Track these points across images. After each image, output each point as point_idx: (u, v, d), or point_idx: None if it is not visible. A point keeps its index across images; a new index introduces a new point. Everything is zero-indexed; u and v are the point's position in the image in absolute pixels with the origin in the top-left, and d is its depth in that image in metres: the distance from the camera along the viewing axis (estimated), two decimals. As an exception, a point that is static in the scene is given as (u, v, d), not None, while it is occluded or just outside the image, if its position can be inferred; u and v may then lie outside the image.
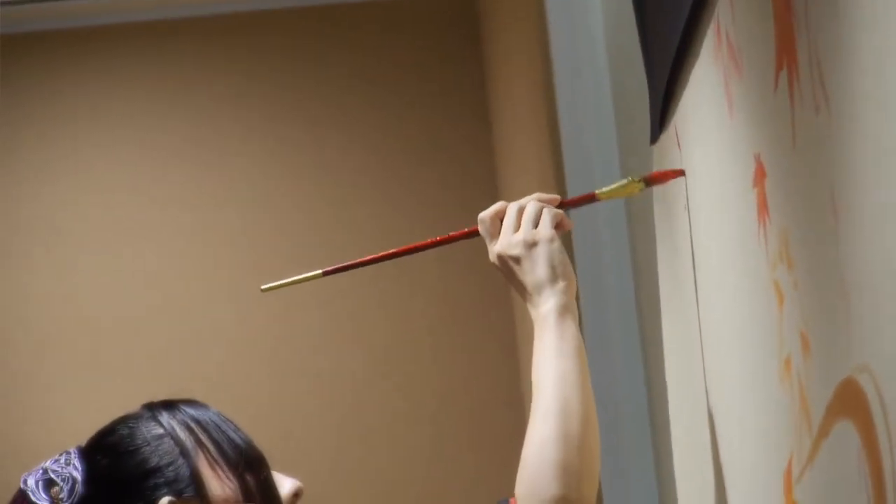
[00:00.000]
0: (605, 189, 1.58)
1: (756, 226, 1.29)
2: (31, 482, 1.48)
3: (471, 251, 3.20)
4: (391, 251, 1.59)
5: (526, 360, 3.16)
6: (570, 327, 1.46)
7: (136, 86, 3.42)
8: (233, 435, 1.53)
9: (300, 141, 3.35)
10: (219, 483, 1.49)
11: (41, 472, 1.49)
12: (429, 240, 1.60)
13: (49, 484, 1.48)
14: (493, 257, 1.52)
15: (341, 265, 1.60)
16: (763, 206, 1.27)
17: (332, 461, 3.13)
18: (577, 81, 2.13)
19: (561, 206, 1.54)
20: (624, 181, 1.58)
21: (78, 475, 1.48)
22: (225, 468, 1.49)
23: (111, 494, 1.50)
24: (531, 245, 1.47)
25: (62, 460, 1.51)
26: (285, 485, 1.54)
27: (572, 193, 2.09)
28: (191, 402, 1.57)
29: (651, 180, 1.60)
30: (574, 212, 2.08)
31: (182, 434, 1.51)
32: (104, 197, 3.38)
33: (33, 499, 1.46)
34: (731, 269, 1.43)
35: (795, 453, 1.24)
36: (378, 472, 3.14)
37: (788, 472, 1.28)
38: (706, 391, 1.60)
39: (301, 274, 1.61)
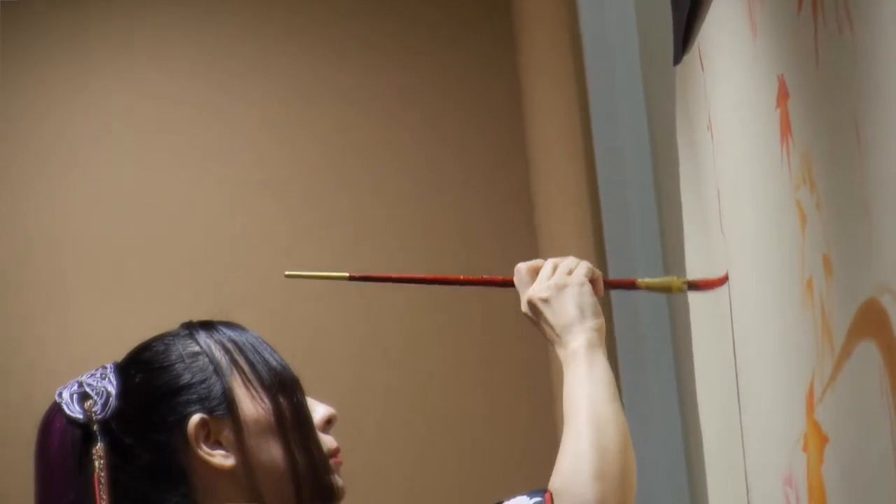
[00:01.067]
0: (647, 280, 1.58)
1: (779, 147, 1.29)
2: (65, 395, 1.48)
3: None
4: (421, 276, 1.64)
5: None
6: (601, 362, 1.45)
7: (159, 11, 3.41)
8: (269, 356, 1.52)
9: (323, 70, 3.33)
10: (251, 403, 1.48)
11: (76, 385, 1.50)
12: (463, 277, 1.63)
13: (83, 397, 1.48)
14: (524, 305, 1.52)
15: (369, 275, 1.64)
16: (786, 128, 1.26)
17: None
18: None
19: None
20: (668, 279, 1.59)
21: (112, 389, 1.49)
22: (259, 389, 1.48)
23: (144, 409, 1.49)
24: (561, 287, 1.49)
25: (98, 374, 1.51)
26: (318, 410, 1.53)
27: (595, 107, 2.08)
28: (229, 324, 1.56)
29: (695, 285, 1.60)
30: (600, 128, 2.08)
31: (218, 353, 1.50)
32: (126, 117, 3.38)
33: (67, 411, 1.47)
34: (754, 190, 1.43)
35: (817, 374, 1.24)
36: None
37: (810, 393, 1.28)
38: (730, 312, 1.60)
39: (328, 271, 1.67)
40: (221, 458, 1.46)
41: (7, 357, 3.25)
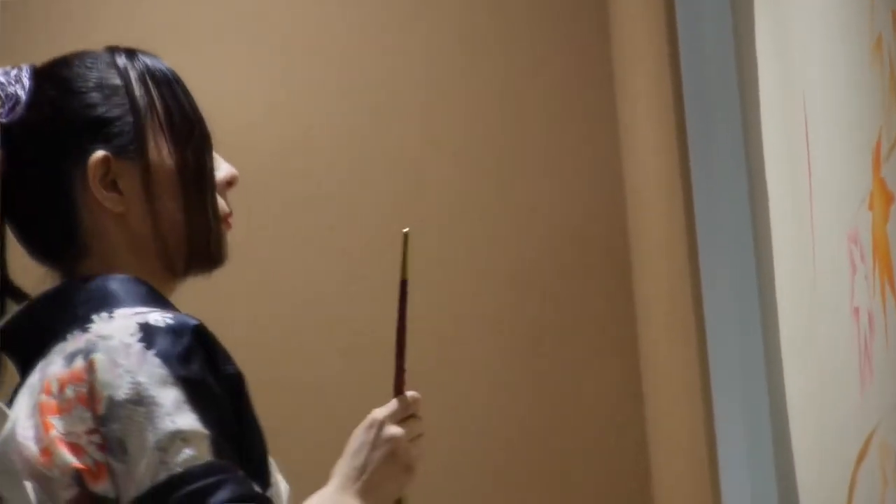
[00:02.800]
0: None
1: None
2: None
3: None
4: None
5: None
6: None
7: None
8: (186, 105, 1.45)
9: None
10: (158, 152, 1.41)
11: None
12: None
13: None
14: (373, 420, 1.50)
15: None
16: None
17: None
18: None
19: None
20: None
21: (23, 96, 1.41)
22: (169, 138, 1.41)
23: (50, 129, 1.41)
24: (388, 447, 1.47)
25: (12, 74, 1.43)
26: (221, 169, 1.48)
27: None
28: (154, 57, 1.47)
29: None
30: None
31: (138, 91, 1.42)
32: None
33: None
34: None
35: (884, 132, 1.25)
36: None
37: (877, 150, 1.29)
38: (801, 70, 1.59)
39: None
40: (114, 203, 1.41)
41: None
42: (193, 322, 1.31)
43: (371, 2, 3.18)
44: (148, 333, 1.28)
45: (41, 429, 1.28)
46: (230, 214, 1.49)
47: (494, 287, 3.07)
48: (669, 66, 2.21)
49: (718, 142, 1.95)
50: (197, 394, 1.25)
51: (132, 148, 1.40)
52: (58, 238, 1.43)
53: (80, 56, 1.46)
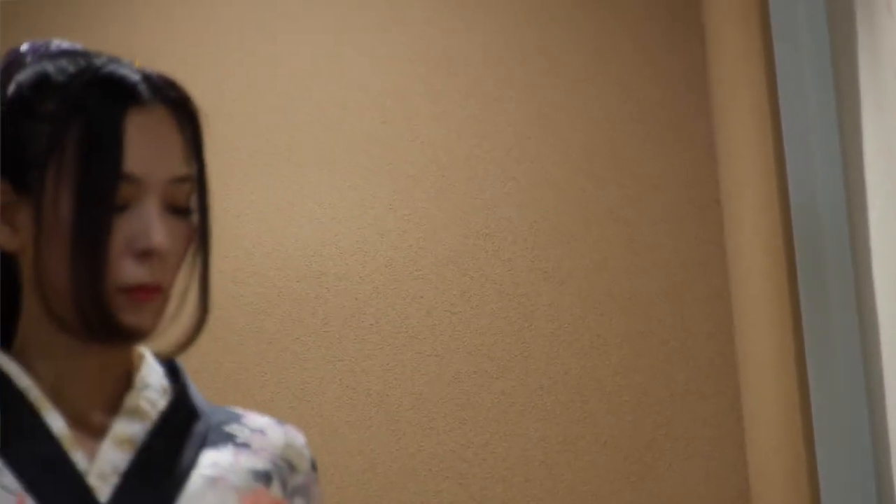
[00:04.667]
0: None
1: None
2: None
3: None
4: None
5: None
6: None
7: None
8: (110, 157, 1.22)
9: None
10: (56, 197, 1.22)
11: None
12: None
13: None
14: None
15: None
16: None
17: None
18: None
19: None
20: None
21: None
22: (73, 186, 1.22)
23: None
24: None
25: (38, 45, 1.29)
26: (147, 236, 1.24)
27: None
28: (114, 81, 1.25)
29: None
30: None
31: (65, 122, 1.23)
32: None
33: None
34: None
35: None
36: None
37: None
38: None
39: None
40: (6, 237, 1.26)
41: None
42: None
43: (470, 136, 3.21)
44: None
45: None
46: (145, 286, 1.24)
47: (608, 410, 3.04)
48: (778, 193, 2.21)
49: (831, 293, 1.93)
50: None
51: (35, 183, 1.23)
52: None
53: (24, 59, 1.30)
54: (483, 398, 3.07)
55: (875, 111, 1.74)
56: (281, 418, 3.08)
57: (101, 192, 1.21)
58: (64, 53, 1.29)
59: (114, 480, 1.21)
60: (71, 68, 1.25)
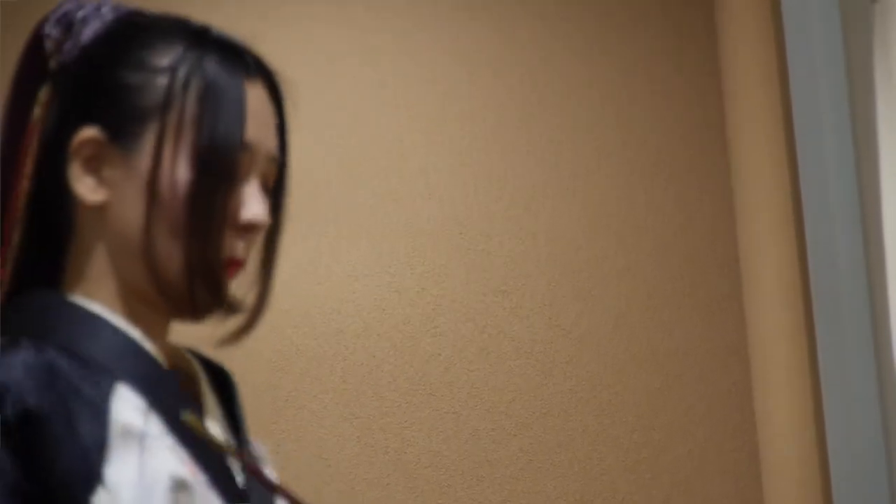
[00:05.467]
0: None
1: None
2: (60, 11, 1.21)
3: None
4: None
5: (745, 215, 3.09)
6: None
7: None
8: (231, 127, 1.18)
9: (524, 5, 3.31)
10: (171, 160, 1.16)
11: (76, 6, 1.22)
12: None
13: (65, 26, 1.21)
14: None
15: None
16: None
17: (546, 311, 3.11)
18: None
19: None
20: None
21: (91, 33, 1.21)
22: (190, 153, 1.17)
23: (78, 83, 1.19)
24: None
25: (92, 8, 1.22)
26: (250, 208, 1.21)
27: (791, 43, 2.04)
28: (235, 49, 1.22)
29: None
30: (797, 64, 2.03)
31: (184, 85, 1.18)
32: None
33: (45, 30, 1.20)
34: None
35: None
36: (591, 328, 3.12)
37: None
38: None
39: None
40: (88, 188, 1.19)
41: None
42: (7, 384, 1.04)
43: (488, 192, 3.22)
44: None
45: None
46: (240, 261, 1.22)
47: (625, 467, 3.02)
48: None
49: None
50: None
51: (131, 139, 1.17)
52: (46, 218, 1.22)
53: (162, 20, 1.24)
54: (501, 456, 3.05)
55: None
56: (298, 476, 3.08)
57: (225, 159, 1.17)
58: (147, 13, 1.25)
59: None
60: (182, 24, 1.22)
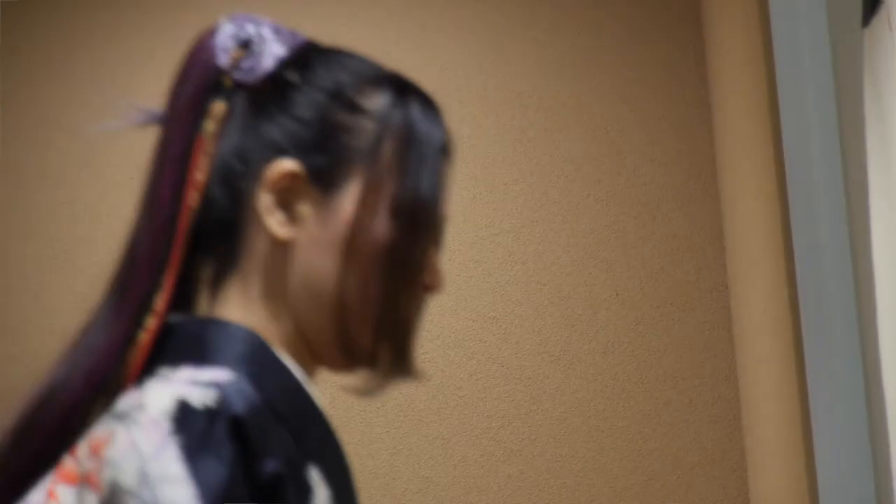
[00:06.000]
0: None
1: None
2: (230, 29, 1.17)
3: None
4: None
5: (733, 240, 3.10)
6: None
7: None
8: (431, 181, 1.15)
9: (512, 27, 3.31)
10: (370, 209, 1.12)
11: (249, 23, 1.18)
12: None
13: (242, 44, 1.16)
14: None
15: None
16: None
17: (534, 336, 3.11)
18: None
19: None
20: None
21: (275, 55, 1.17)
22: (394, 202, 1.13)
23: (280, 104, 1.15)
24: None
25: (274, 30, 1.18)
26: (432, 270, 1.18)
27: (781, 71, 2.05)
28: (433, 113, 1.19)
29: None
30: (787, 92, 2.04)
31: (392, 132, 1.15)
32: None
33: (215, 44, 1.16)
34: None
35: None
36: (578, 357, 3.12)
37: None
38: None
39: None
40: (278, 223, 1.13)
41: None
42: (239, 407, 1.02)
43: (478, 219, 3.23)
44: (182, 414, 1.01)
45: (46, 496, 1.06)
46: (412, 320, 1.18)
47: (614, 493, 3.02)
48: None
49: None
50: (212, 497, 0.99)
51: (336, 179, 1.12)
52: (218, 237, 1.16)
53: (358, 59, 1.20)
54: (490, 482, 3.05)
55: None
56: None
57: (428, 217, 1.15)
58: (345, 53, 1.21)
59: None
60: (380, 68, 1.19)
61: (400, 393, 3.14)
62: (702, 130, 3.16)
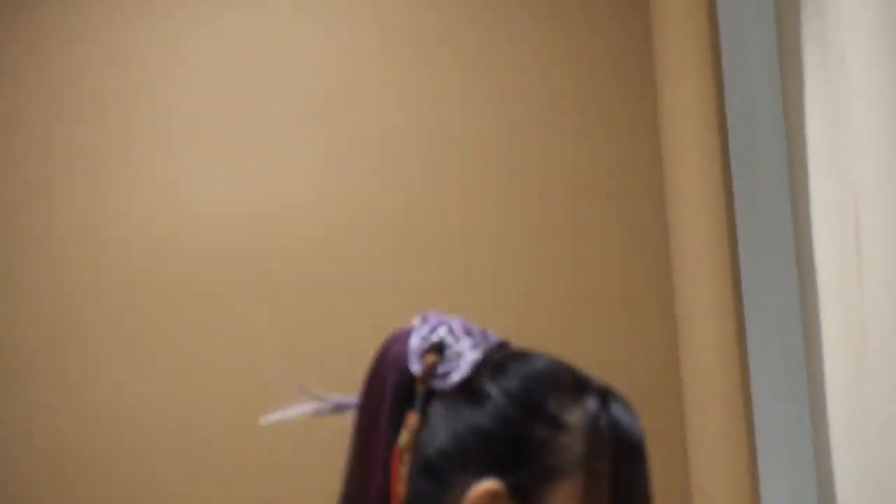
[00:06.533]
0: None
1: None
2: (424, 331, 1.17)
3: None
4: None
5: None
6: None
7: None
8: (645, 479, 1.15)
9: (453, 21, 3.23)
10: None
11: (446, 330, 1.17)
12: None
13: (436, 349, 1.16)
14: None
15: None
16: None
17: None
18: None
19: None
20: None
21: (469, 362, 1.16)
22: None
23: (469, 421, 1.13)
24: None
25: (472, 336, 1.18)
26: None
27: (726, 61, 2.03)
28: (631, 414, 1.18)
29: None
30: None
31: (601, 437, 1.13)
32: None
33: (409, 351, 1.16)
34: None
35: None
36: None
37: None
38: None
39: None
40: None
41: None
42: None
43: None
44: None
45: None
46: None
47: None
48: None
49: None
50: None
51: (538, 499, 1.11)
52: None
53: (554, 365, 1.18)
54: None
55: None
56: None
57: None
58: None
59: None
60: (582, 376, 1.18)
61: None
62: (647, 133, 3.13)
